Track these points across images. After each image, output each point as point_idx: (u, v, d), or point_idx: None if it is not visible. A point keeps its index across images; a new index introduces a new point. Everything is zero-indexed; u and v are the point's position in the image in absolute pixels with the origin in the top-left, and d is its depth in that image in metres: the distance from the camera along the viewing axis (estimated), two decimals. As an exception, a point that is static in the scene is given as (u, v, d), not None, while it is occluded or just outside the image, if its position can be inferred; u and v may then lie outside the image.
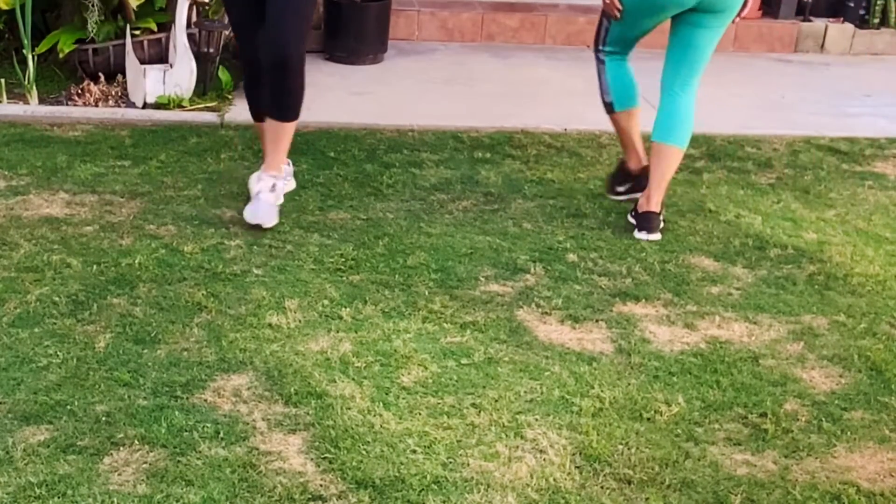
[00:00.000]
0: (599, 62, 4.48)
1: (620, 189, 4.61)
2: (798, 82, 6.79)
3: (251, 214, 4.12)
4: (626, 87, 4.44)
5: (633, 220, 4.35)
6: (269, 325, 3.47)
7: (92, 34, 5.54)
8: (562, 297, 3.78)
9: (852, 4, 7.56)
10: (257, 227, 4.10)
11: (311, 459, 2.83)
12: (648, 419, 3.10)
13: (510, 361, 3.36)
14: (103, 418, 2.94)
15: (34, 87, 5.39)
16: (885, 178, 5.20)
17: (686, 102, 4.33)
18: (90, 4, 5.48)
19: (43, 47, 5.59)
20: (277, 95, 4.15)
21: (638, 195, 4.41)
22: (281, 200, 4.27)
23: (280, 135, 4.24)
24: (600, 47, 4.45)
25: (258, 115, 4.38)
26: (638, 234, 4.28)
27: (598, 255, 4.14)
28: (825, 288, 3.99)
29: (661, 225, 4.33)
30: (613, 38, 4.40)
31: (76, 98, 5.47)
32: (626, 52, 4.45)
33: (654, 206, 4.31)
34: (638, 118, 4.50)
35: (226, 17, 5.83)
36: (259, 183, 4.22)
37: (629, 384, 3.28)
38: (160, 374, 3.16)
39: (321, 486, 2.74)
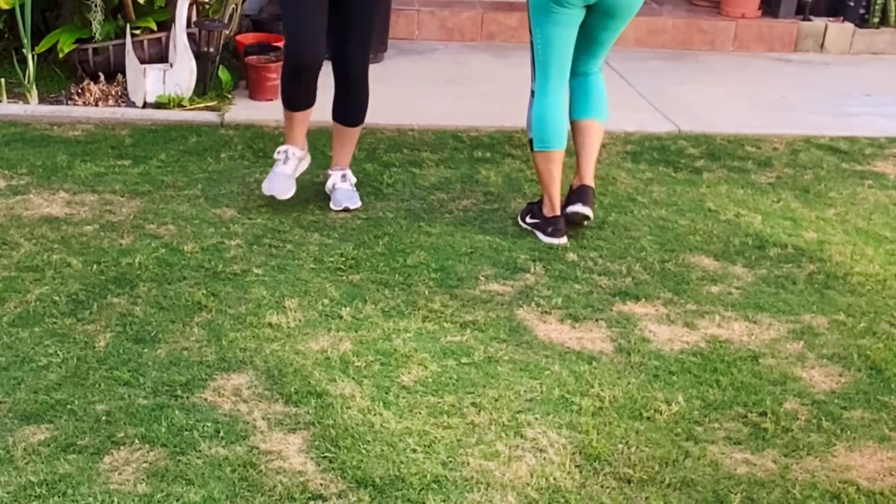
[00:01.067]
0: (531, 94, 4.31)
1: (526, 219, 4.37)
2: (798, 82, 6.79)
3: (336, 202, 4.40)
4: (548, 125, 4.21)
5: (531, 224, 4.30)
6: (269, 324, 3.48)
7: (97, 34, 5.54)
8: (562, 297, 3.79)
9: (852, 4, 7.56)
10: (345, 210, 4.36)
11: (312, 458, 2.84)
12: (648, 418, 3.11)
13: (510, 360, 3.36)
14: (103, 417, 2.94)
15: (34, 87, 5.39)
16: (885, 178, 5.20)
17: (597, 79, 4.37)
18: (93, 4, 5.48)
19: (43, 47, 5.59)
20: (347, 105, 4.42)
21: (543, 238, 4.23)
22: (354, 181, 4.52)
23: (349, 137, 4.50)
24: (533, 80, 4.28)
25: (295, 107, 4.36)
26: (572, 208, 4.25)
27: (598, 255, 4.14)
28: (825, 287, 3.99)
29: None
30: (540, 63, 4.19)
31: (76, 97, 5.47)
32: (558, 82, 4.21)
33: (588, 180, 4.34)
34: (559, 163, 4.27)
35: (226, 17, 5.84)
36: (330, 179, 4.47)
37: (629, 383, 3.28)
38: (160, 373, 3.17)
39: (321, 485, 2.74)
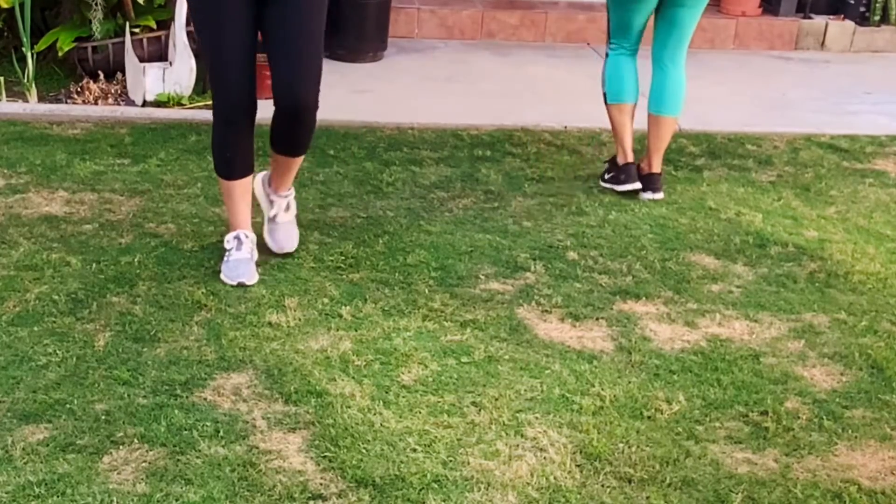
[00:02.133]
0: (606, 55, 4.75)
1: (605, 177, 4.82)
2: (799, 80, 6.78)
3: (276, 244, 3.88)
4: (620, 80, 4.67)
5: (608, 179, 4.76)
6: (269, 323, 3.47)
7: (97, 33, 5.54)
8: (562, 295, 3.78)
9: (853, 2, 7.55)
10: (285, 255, 3.89)
11: (311, 458, 2.83)
12: (649, 417, 3.10)
13: (510, 360, 3.35)
14: (103, 417, 2.93)
15: (33, 85, 5.38)
16: (886, 176, 5.19)
17: (677, 74, 4.66)
18: (93, 3, 5.48)
19: (42, 45, 5.58)
20: (293, 136, 3.73)
21: (618, 187, 4.70)
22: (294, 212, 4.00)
23: (292, 166, 3.87)
24: (608, 41, 4.73)
25: (234, 173, 3.73)
26: (644, 195, 4.65)
27: (599, 253, 4.14)
28: (826, 286, 3.98)
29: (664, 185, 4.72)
30: (614, 30, 4.66)
31: (75, 96, 5.47)
32: (629, 47, 4.68)
33: (656, 169, 4.71)
34: (630, 114, 4.70)
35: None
36: (273, 206, 3.93)
37: (630, 382, 3.27)
38: (160, 372, 3.16)
39: (321, 484, 2.73)
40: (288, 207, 3.94)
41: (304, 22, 3.52)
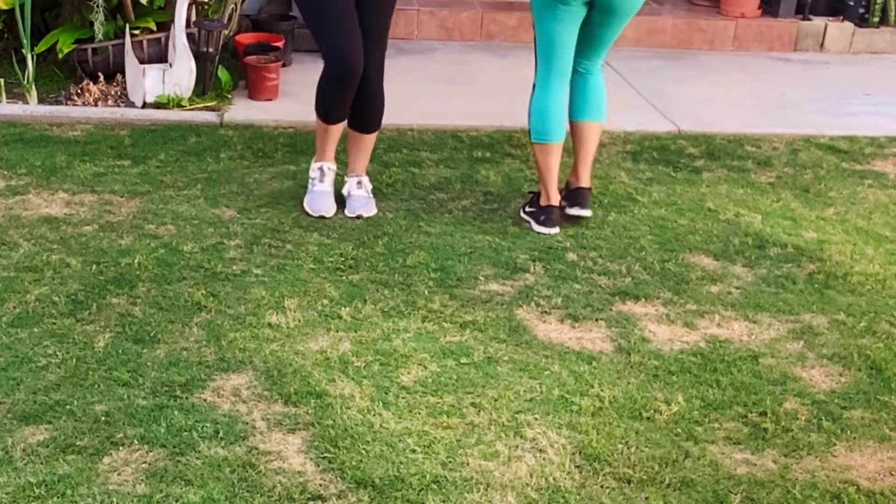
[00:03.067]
0: (532, 87, 4.36)
1: (525, 209, 4.45)
2: (798, 81, 6.78)
3: (350, 209, 4.38)
4: (545, 118, 4.29)
5: (528, 213, 4.38)
6: (269, 324, 3.47)
7: (99, 35, 5.55)
8: (561, 297, 3.78)
9: (852, 3, 7.55)
10: (358, 217, 4.33)
11: (311, 459, 2.83)
12: (648, 418, 3.10)
13: (510, 361, 3.36)
14: (102, 418, 2.94)
15: (33, 87, 5.39)
16: (885, 177, 5.19)
17: (596, 79, 4.39)
18: (95, 5, 5.48)
19: (42, 47, 5.58)
20: (363, 112, 4.37)
21: (535, 227, 4.31)
22: (370, 187, 4.50)
23: (364, 144, 4.49)
24: (535, 72, 4.33)
25: (333, 118, 4.36)
26: (570, 211, 4.36)
27: (598, 254, 4.14)
28: (825, 287, 3.99)
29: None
30: (541, 55, 4.25)
31: (75, 98, 5.47)
32: (558, 75, 4.25)
33: (584, 182, 4.42)
34: (556, 154, 4.32)
35: (225, 17, 5.83)
36: (346, 185, 4.46)
37: (629, 383, 3.28)
38: (159, 373, 3.16)
39: (321, 485, 2.73)
40: (360, 185, 4.46)
41: (384, 18, 4.28)
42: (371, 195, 4.46)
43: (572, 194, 4.40)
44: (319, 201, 4.36)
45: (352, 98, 4.27)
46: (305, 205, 4.36)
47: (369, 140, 4.50)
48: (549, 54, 4.24)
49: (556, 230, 4.29)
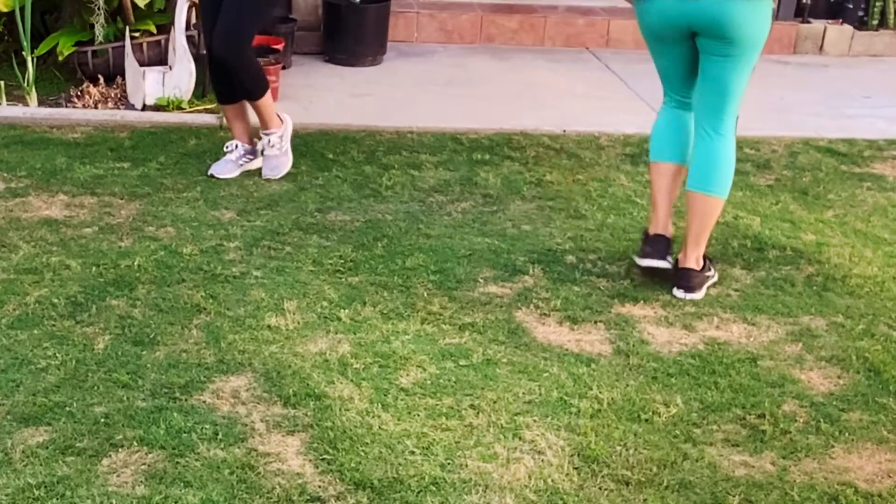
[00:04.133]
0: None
1: (637, 254, 4.01)
2: (797, 84, 6.79)
3: (268, 169, 4.77)
4: (659, 136, 4.02)
5: (636, 255, 3.97)
6: (268, 326, 3.48)
7: (99, 37, 5.56)
8: (560, 299, 3.79)
9: (851, 6, 7.56)
10: (269, 179, 4.69)
11: (310, 460, 2.84)
12: (647, 420, 3.11)
13: (509, 363, 3.36)
14: (102, 420, 2.94)
15: (33, 89, 5.39)
16: (884, 180, 5.20)
17: (715, 144, 3.87)
18: (96, 7, 5.49)
19: (42, 49, 5.59)
20: (236, 85, 4.68)
21: (637, 259, 3.95)
22: (283, 146, 4.84)
23: (257, 108, 4.76)
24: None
25: (221, 100, 4.82)
26: (675, 292, 3.86)
27: (597, 257, 4.14)
28: (823, 289, 3.99)
29: (707, 282, 3.90)
30: (660, 76, 4.03)
31: (75, 100, 5.48)
32: (675, 97, 3.99)
33: (688, 262, 3.86)
34: (668, 177, 3.96)
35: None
36: (260, 142, 4.81)
37: (627, 385, 3.28)
38: (159, 375, 3.17)
39: (320, 487, 2.74)
40: (271, 143, 4.79)
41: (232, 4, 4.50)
42: (286, 153, 4.81)
43: (677, 273, 3.89)
44: (218, 165, 4.75)
45: (229, 82, 4.61)
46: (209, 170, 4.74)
47: (259, 105, 4.73)
48: (665, 83, 4.01)
49: (646, 262, 3.88)
